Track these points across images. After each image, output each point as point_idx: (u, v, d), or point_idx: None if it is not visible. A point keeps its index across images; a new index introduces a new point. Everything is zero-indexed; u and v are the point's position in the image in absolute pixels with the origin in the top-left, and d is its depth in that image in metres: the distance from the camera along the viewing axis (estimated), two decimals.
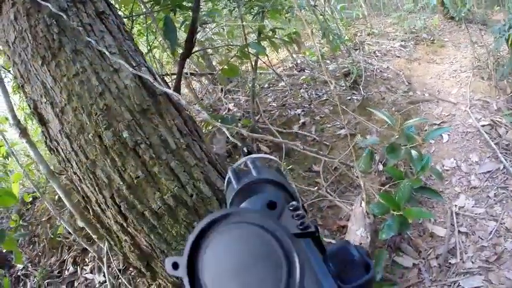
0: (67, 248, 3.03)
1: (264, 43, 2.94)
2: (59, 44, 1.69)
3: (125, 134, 1.62)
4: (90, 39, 1.67)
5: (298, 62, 4.53)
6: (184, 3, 2.37)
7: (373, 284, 0.45)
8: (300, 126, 3.11)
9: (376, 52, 4.91)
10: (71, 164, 1.74)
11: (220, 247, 0.38)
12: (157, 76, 1.81)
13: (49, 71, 1.69)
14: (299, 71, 4.31)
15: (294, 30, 2.66)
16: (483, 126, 3.46)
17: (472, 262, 2.28)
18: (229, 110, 3.57)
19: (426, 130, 3.52)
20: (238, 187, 0.65)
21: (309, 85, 3.84)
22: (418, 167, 2.06)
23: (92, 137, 1.63)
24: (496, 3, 5.98)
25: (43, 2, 1.64)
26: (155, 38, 3.24)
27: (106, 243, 2.04)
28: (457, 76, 4.43)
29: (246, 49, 2.60)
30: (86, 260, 2.83)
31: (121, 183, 1.61)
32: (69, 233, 2.91)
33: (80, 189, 1.80)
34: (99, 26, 1.82)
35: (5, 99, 2.22)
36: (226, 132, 1.60)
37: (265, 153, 2.77)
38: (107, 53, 1.67)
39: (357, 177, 2.53)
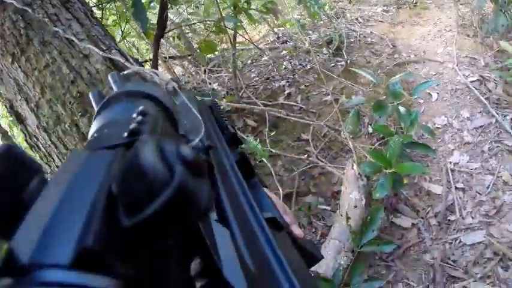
0: None
1: (243, 18, 2.88)
2: (27, 39, 1.69)
3: None
4: (57, 29, 1.65)
5: (280, 34, 4.46)
6: None
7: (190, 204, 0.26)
8: (286, 97, 3.07)
9: (359, 18, 4.86)
10: (52, 158, 1.77)
11: None
12: (128, 57, 1.81)
13: (20, 67, 1.69)
14: (281, 44, 4.25)
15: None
16: (472, 82, 3.45)
17: (472, 217, 2.29)
18: (213, 89, 3.52)
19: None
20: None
21: (292, 56, 3.80)
22: (407, 122, 2.03)
23: (69, 127, 1.64)
24: None
25: (7, 0, 1.62)
26: (129, 25, 3.17)
27: None
28: (442, 36, 4.41)
29: (222, 24, 2.53)
30: None
31: None
32: None
33: None
34: (65, 14, 1.81)
35: None
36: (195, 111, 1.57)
37: (252, 127, 2.74)
38: (75, 40, 1.64)
39: (346, 138, 2.51)
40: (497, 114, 3.00)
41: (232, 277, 0.25)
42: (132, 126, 0.27)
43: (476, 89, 3.35)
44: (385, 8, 5.33)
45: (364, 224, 1.88)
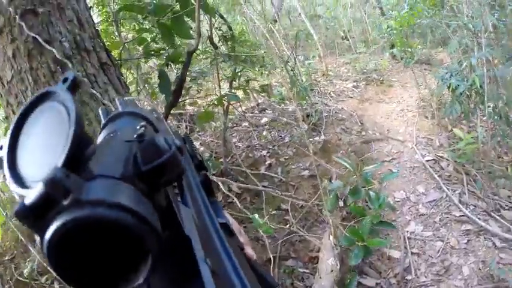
0: None
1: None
2: None
3: None
4: (94, 92, 1.69)
5: (259, 101, 5.05)
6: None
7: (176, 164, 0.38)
8: (267, 167, 3.58)
9: (331, 93, 5.56)
10: None
11: (32, 126, 0.41)
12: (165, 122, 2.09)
13: None
14: (260, 112, 4.82)
15: (266, 82, 3.19)
16: (428, 161, 4.09)
17: (425, 277, 2.81)
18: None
19: (380, 164, 4.13)
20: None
21: (272, 126, 4.36)
22: (376, 205, 2.59)
23: None
24: (439, 45, 6.87)
25: (47, 46, 1.63)
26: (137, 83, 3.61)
27: None
28: (403, 115, 5.13)
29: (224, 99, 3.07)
30: None
31: None
32: (39, 274, 2.95)
33: None
34: (102, 77, 1.84)
35: None
36: (215, 178, 1.97)
37: (236, 193, 3.21)
38: (112, 107, 1.63)
39: (321, 212, 3.04)
40: (448, 189, 3.61)
41: (190, 233, 0.39)
42: (139, 132, 0.40)
43: (431, 167, 3.99)
44: (355, 83, 6.08)
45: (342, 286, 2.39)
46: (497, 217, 3.15)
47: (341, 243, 2.47)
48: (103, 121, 0.59)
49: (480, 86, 3.69)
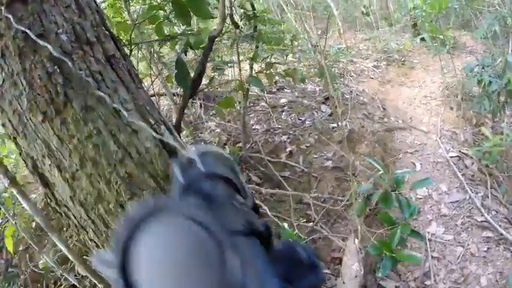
0: (53, 282, 3.00)
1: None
2: (65, 99, 1.45)
3: None
4: (102, 94, 1.45)
5: (277, 78, 4.81)
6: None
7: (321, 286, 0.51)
8: (288, 155, 3.41)
9: (351, 72, 5.33)
10: (86, 231, 1.63)
11: (152, 244, 0.39)
12: (176, 135, 1.64)
13: (53, 129, 1.46)
14: (278, 90, 4.60)
15: (293, 67, 2.95)
16: (452, 157, 3.95)
17: (444, 283, 2.73)
18: (211, 130, 3.78)
19: (400, 157, 4.00)
20: (182, 182, 0.68)
21: (291, 108, 4.16)
22: (407, 213, 2.44)
23: (114, 207, 1.52)
24: (462, 27, 6.62)
25: (41, 42, 1.42)
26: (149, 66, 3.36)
27: None
28: (427, 103, 4.94)
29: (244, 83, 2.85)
30: None
31: None
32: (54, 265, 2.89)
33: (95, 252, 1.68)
34: (110, 74, 1.59)
35: None
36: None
37: (256, 183, 3.05)
38: (123, 111, 1.45)
39: (345, 210, 2.91)
40: (471, 191, 3.49)
41: None
42: (247, 225, 0.42)
43: (454, 164, 3.85)
44: (375, 63, 5.86)
45: None
46: None
47: (366, 249, 2.35)
48: (180, 178, 0.64)
49: None
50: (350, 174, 2.78)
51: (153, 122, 1.64)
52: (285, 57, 3.10)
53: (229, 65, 3.20)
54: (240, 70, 3.03)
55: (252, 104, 4.33)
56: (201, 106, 4.20)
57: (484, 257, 2.87)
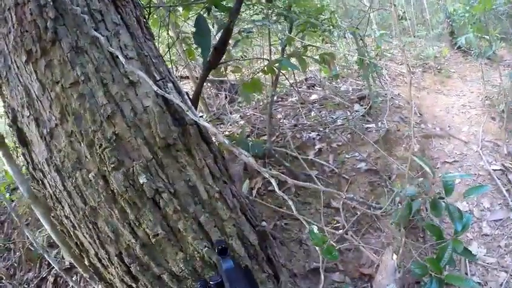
0: (47, 263, 2.72)
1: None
2: (53, 36, 1.24)
3: (142, 179, 1.23)
4: (98, 34, 1.24)
5: (308, 76, 4.43)
6: (223, 2, 2.08)
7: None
8: (316, 152, 3.00)
9: (386, 76, 4.92)
10: (62, 206, 1.35)
11: None
12: (186, 97, 1.44)
13: (36, 72, 1.26)
14: (308, 88, 4.20)
15: (329, 51, 2.53)
16: (494, 170, 3.48)
17: None
18: (235, 121, 3.42)
19: (438, 167, 3.54)
20: None
21: (322, 105, 3.75)
22: (459, 226, 1.98)
23: (94, 177, 1.24)
24: (500, 40, 6.14)
25: None
26: (167, 32, 3.00)
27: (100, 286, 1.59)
28: (466, 112, 4.49)
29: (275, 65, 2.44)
30: (70, 283, 2.54)
31: (133, 240, 1.26)
32: (50, 246, 2.64)
33: (72, 234, 1.40)
34: (112, 15, 1.37)
35: None
36: (255, 165, 1.25)
37: (280, 181, 2.65)
38: (121, 57, 1.24)
39: (377, 217, 2.47)
40: None
41: None
42: None
43: (498, 178, 3.38)
44: (411, 69, 5.43)
45: None
46: None
47: (407, 267, 1.90)
48: None
49: None
50: (386, 178, 2.35)
51: (158, 78, 1.38)
52: (322, 40, 2.70)
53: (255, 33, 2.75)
54: (270, 51, 2.62)
55: (280, 99, 3.95)
56: (226, 97, 3.85)
57: None
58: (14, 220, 3.10)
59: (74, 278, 2.46)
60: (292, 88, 3.62)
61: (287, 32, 2.67)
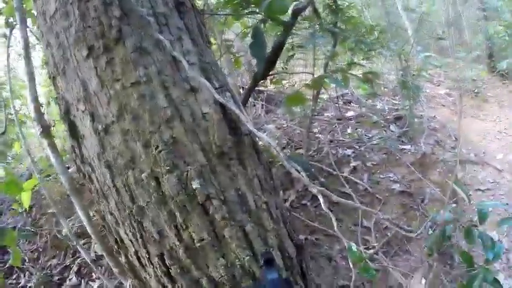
0: (72, 252, 2.77)
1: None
2: (118, 34, 1.25)
3: (196, 184, 1.23)
4: (162, 38, 1.25)
5: (345, 92, 4.43)
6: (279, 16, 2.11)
7: None
8: (351, 170, 3.02)
9: (422, 97, 4.87)
10: (108, 202, 1.36)
11: None
12: (242, 107, 1.46)
13: (96, 68, 1.27)
14: (344, 104, 4.21)
15: (372, 69, 2.56)
16: None
17: None
18: (271, 132, 3.46)
19: (471, 194, 3.49)
20: None
21: (358, 122, 3.76)
22: (491, 255, 1.98)
23: (146, 178, 1.24)
24: None
25: None
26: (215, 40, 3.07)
27: (129, 281, 1.59)
28: (502, 139, 4.40)
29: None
30: (93, 274, 2.57)
31: (177, 243, 1.26)
32: (78, 236, 2.66)
33: (113, 230, 1.40)
34: (176, 20, 1.39)
35: (29, 81, 1.66)
36: (305, 180, 1.35)
37: (313, 195, 2.68)
38: (184, 62, 1.25)
39: (407, 240, 2.47)
40: None
41: None
42: None
43: None
44: (447, 90, 5.35)
45: None
46: None
47: None
48: None
49: None
50: (419, 202, 2.36)
51: (217, 85, 1.37)
52: (366, 59, 2.72)
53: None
54: (314, 66, 2.66)
55: (316, 113, 3.97)
56: (262, 107, 3.90)
57: None
58: (43, 206, 3.17)
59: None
60: (328, 103, 3.64)
61: (331, 47, 2.70)
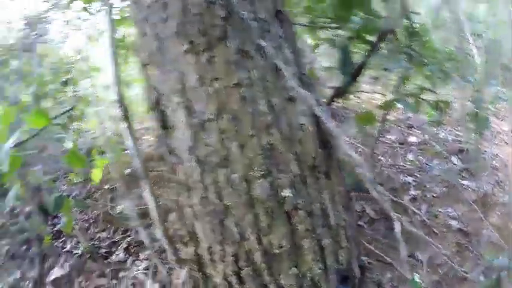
0: (122, 230, 2.82)
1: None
2: (222, 34, 1.27)
3: (287, 193, 1.27)
4: (265, 44, 1.27)
5: (408, 116, 4.34)
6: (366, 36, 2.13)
7: None
8: (411, 199, 2.97)
9: (488, 131, 4.69)
10: (189, 195, 1.38)
11: None
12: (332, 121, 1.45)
13: (195, 64, 1.28)
14: (407, 128, 4.13)
15: (444, 99, 2.52)
16: None
17: None
18: None
19: None
20: None
21: (420, 149, 3.68)
22: None
23: (239, 179, 1.26)
24: None
25: None
26: None
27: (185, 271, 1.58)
28: None
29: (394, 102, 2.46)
30: (141, 255, 2.62)
31: (256, 246, 1.30)
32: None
33: (188, 223, 1.43)
34: (277, 28, 1.40)
35: (111, 64, 1.64)
36: (386, 205, 1.33)
37: (370, 217, 2.67)
38: (285, 71, 1.28)
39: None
40: None
41: None
42: None
43: None
44: None
45: None
46: None
47: None
48: None
49: None
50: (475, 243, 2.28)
51: (314, 98, 1.37)
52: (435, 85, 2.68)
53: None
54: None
55: (380, 135, 3.91)
56: None
57: None
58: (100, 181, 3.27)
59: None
60: (392, 125, 3.58)
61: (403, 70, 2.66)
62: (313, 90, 1.46)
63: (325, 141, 1.39)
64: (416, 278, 1.67)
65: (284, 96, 1.33)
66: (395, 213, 2.60)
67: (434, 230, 2.70)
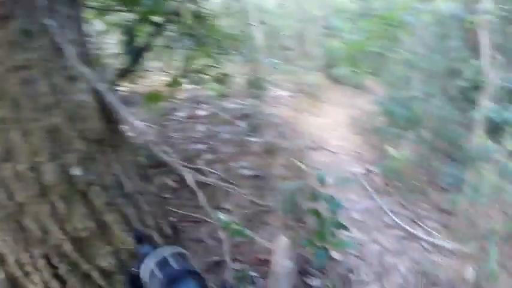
0: None
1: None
2: (8, 13, 1.15)
3: (77, 171, 1.24)
4: (51, 23, 1.21)
5: (197, 93, 4.63)
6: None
7: None
8: (205, 162, 3.21)
9: (266, 97, 5.36)
10: None
11: None
12: (119, 97, 1.43)
13: None
14: (197, 104, 4.42)
15: (224, 72, 2.78)
16: (360, 173, 4.04)
17: (367, 275, 2.72)
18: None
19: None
20: (163, 278, 0.79)
21: (209, 121, 3.99)
22: (333, 207, 2.38)
23: (26, 170, 1.18)
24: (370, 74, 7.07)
25: None
26: None
27: None
28: (335, 130, 5.12)
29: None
30: None
31: (62, 237, 1.24)
32: None
33: None
34: (66, 9, 1.34)
35: None
36: (176, 163, 1.48)
37: (173, 188, 2.79)
38: (67, 50, 1.24)
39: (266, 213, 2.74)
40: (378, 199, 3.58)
41: None
42: None
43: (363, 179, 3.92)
44: (290, 93, 6.00)
45: None
46: (422, 224, 3.29)
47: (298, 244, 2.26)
48: (159, 277, 0.81)
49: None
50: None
51: (96, 76, 1.35)
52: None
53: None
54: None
55: (167, 114, 4.10)
56: None
57: (398, 250, 2.98)
58: None
59: None
60: (180, 103, 3.80)
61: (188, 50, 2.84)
62: (98, 70, 1.47)
63: (110, 116, 1.37)
64: (222, 216, 1.84)
65: (65, 76, 1.26)
66: (196, 177, 2.80)
67: (231, 180, 3.00)
